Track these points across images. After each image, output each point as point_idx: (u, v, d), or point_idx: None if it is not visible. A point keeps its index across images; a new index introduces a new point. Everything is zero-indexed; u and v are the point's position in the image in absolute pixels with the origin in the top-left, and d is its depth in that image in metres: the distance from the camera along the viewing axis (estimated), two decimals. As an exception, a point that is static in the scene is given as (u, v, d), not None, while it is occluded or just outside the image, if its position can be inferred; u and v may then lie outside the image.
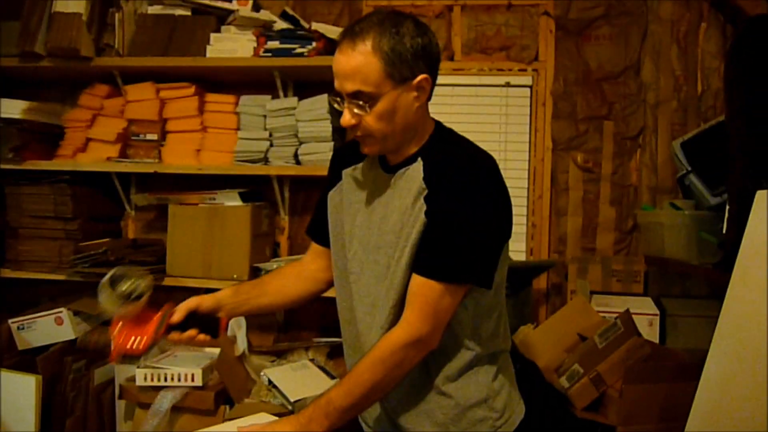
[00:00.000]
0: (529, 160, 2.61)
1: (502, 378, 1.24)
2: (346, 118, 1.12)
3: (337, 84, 1.12)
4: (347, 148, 1.32)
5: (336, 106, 1.15)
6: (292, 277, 1.40)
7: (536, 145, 2.60)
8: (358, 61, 1.07)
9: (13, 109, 2.50)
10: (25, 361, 2.32)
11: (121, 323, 1.20)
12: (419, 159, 1.16)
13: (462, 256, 1.10)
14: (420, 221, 1.11)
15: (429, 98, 1.18)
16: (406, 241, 1.13)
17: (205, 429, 1.16)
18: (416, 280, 1.11)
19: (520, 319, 2.24)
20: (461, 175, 1.11)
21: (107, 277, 1.18)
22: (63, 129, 2.59)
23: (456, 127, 1.25)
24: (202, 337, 1.24)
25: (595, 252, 2.63)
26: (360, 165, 1.27)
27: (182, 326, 1.23)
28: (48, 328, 2.40)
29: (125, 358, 1.26)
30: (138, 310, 1.20)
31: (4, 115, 2.49)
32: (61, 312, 2.40)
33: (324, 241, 1.34)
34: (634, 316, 2.05)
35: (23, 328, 2.42)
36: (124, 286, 1.19)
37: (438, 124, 1.22)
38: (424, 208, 1.11)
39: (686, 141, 2.25)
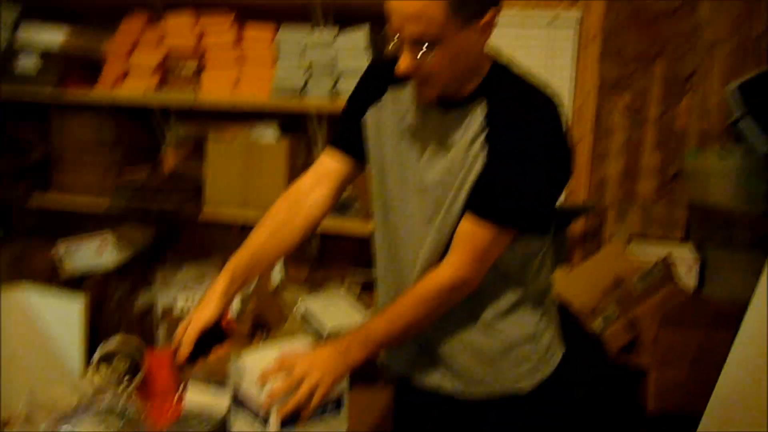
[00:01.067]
0: (573, 101, 2.53)
1: (547, 317, 1.22)
2: (405, 64, 1.01)
3: (394, 25, 1.00)
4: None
5: (391, 48, 1.03)
6: (288, 227, 1.23)
7: (580, 85, 2.51)
8: (421, 2, 0.95)
9: (55, 37, 2.51)
10: (71, 283, 2.42)
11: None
12: (480, 96, 1.07)
13: (521, 200, 1.05)
14: (480, 161, 1.05)
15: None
16: (463, 181, 1.07)
17: (247, 350, 1.19)
18: (468, 221, 1.07)
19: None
20: (526, 115, 1.04)
21: (95, 359, 1.10)
22: (104, 58, 2.59)
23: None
24: (220, 350, 1.15)
25: (635, 197, 2.57)
26: (408, 87, 1.14)
27: (194, 355, 1.10)
28: (92, 253, 2.49)
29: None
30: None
31: (46, 43, 2.51)
32: (104, 238, 2.47)
33: (357, 153, 1.22)
34: (673, 262, 2.02)
35: (69, 253, 2.51)
36: (120, 366, 1.11)
37: (495, 58, 1.11)
38: (486, 147, 1.05)
39: (743, 83, 2.15)
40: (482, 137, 1.05)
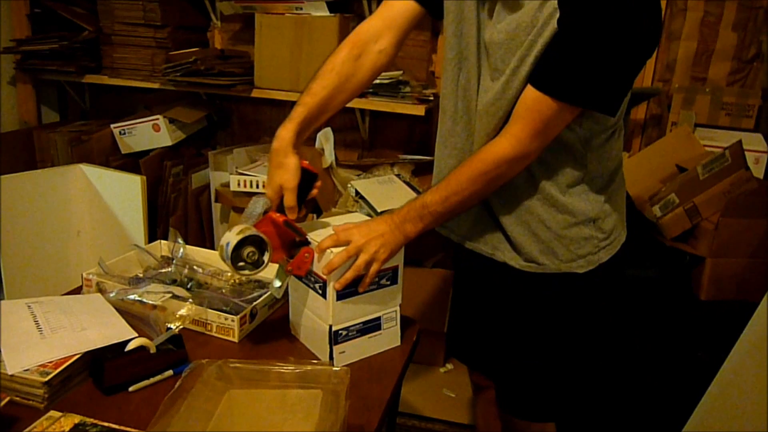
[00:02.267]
0: None
1: (614, 200, 1.18)
2: None
3: None
4: None
5: None
6: (354, 80, 1.20)
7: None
8: None
9: None
10: (128, 163, 2.48)
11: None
12: None
13: (589, 77, 0.98)
14: (550, 28, 0.97)
15: None
16: (531, 47, 0.99)
17: (302, 223, 1.20)
18: (531, 92, 1.01)
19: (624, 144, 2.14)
20: None
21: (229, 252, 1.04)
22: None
23: None
24: (315, 190, 1.20)
25: (705, 82, 2.41)
26: None
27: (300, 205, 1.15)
28: (147, 134, 2.52)
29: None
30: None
31: None
32: (157, 119, 2.49)
33: (429, 2, 1.17)
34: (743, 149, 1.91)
35: (124, 134, 2.55)
36: (251, 256, 1.07)
37: None
38: (557, 14, 0.96)
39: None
40: (554, 1, 0.96)
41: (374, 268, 1.09)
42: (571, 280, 1.17)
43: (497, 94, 1.06)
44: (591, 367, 1.30)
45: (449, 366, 2.37)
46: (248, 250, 1.06)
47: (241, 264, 1.07)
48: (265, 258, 1.08)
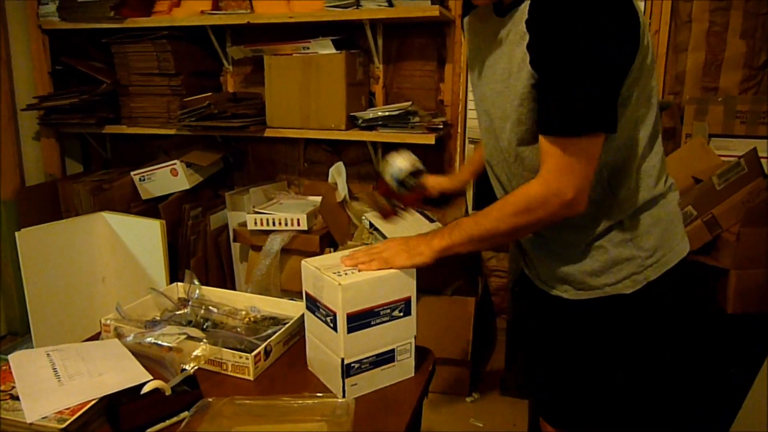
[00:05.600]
0: (647, -11, 2.33)
1: (652, 216, 1.15)
2: None
3: None
4: None
5: None
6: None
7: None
8: None
9: (109, -36, 2.52)
10: (148, 209, 2.54)
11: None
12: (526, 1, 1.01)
13: (575, 104, 0.98)
14: (525, 72, 1.01)
15: None
16: (513, 92, 1.04)
17: (313, 258, 1.21)
18: (543, 139, 1.03)
19: (659, 170, 2.13)
20: (562, 5, 0.94)
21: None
22: (157, -17, 2.59)
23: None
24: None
25: (717, 92, 2.39)
26: (477, 10, 1.17)
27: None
28: (165, 179, 2.58)
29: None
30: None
31: (100, -28, 2.52)
32: (175, 164, 2.55)
33: None
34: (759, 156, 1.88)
35: (144, 180, 2.61)
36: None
37: None
38: (527, 57, 1.00)
39: None
40: (524, 45, 1.00)
41: (376, 265, 1.11)
42: (619, 302, 1.16)
43: (495, 144, 1.14)
44: (638, 386, 1.27)
45: (476, 395, 2.33)
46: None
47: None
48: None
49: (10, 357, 1.14)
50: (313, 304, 1.17)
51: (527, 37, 1.00)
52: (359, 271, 1.11)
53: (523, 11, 1.01)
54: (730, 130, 2.32)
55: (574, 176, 1.02)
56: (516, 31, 1.03)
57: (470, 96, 1.36)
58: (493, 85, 1.10)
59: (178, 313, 1.39)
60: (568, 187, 1.03)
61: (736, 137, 2.28)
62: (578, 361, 1.24)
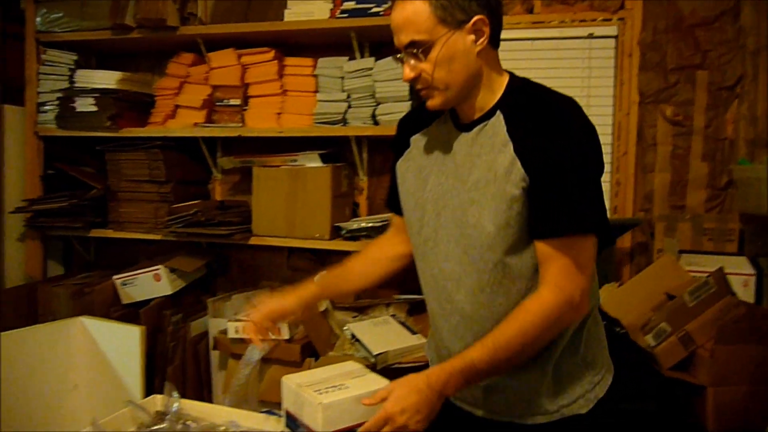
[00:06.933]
0: (614, 115, 2.51)
1: (595, 337, 1.20)
2: (406, 72, 1.10)
3: (395, 40, 1.11)
4: (412, 114, 1.30)
5: (397, 63, 1.13)
6: (374, 259, 1.40)
7: (621, 99, 2.49)
8: (408, 11, 1.06)
9: (109, 79, 2.66)
10: (129, 314, 2.51)
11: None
12: (498, 112, 1.11)
13: (583, 203, 1.04)
14: (515, 175, 1.05)
15: (495, 45, 1.12)
16: (492, 198, 1.08)
17: (293, 374, 1.22)
18: (545, 244, 1.05)
19: (603, 278, 2.19)
20: (550, 120, 1.05)
21: None
22: (154, 98, 2.73)
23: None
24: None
25: (684, 210, 2.51)
26: (430, 128, 1.23)
27: None
28: (147, 283, 2.58)
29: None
30: None
31: (100, 86, 2.66)
32: (158, 269, 2.56)
33: (401, 211, 1.31)
34: (728, 276, 1.96)
35: (126, 284, 2.61)
36: None
37: (512, 75, 1.16)
38: (517, 163, 1.05)
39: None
40: (507, 152, 1.07)
41: None
42: (574, 423, 1.16)
43: (466, 252, 1.15)
44: None
45: None
46: None
47: None
48: None
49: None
50: (293, 423, 1.16)
51: (510, 144, 1.06)
52: None
53: (496, 123, 1.10)
54: (699, 246, 2.43)
55: (582, 278, 1.05)
56: (494, 141, 1.09)
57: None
58: (463, 196, 1.12)
59: (155, 428, 1.36)
60: (576, 289, 1.05)
61: (705, 253, 2.38)
62: None
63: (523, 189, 1.06)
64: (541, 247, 1.06)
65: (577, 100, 1.09)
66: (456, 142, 1.16)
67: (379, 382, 1.16)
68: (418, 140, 1.25)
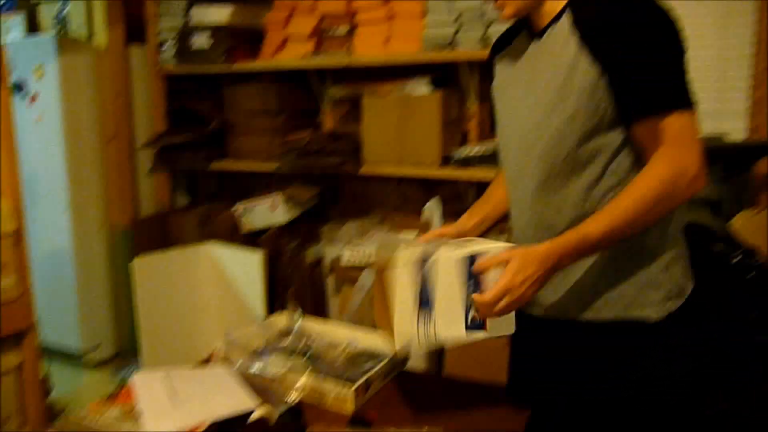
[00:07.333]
0: (757, 23, 2.23)
1: (676, 246, 1.17)
2: None
3: None
4: (500, 37, 1.30)
5: None
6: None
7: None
8: None
9: (221, 15, 2.72)
10: (249, 240, 2.66)
11: None
12: (566, 12, 1.10)
13: (668, 80, 1.03)
14: (583, 64, 1.05)
15: None
16: (557, 93, 1.08)
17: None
18: (643, 126, 1.05)
19: (738, 204, 2.01)
20: (619, 2, 1.04)
21: None
22: (264, 30, 2.76)
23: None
24: None
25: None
26: (511, 46, 1.24)
27: None
28: (264, 213, 2.71)
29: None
30: None
31: (214, 22, 2.73)
32: (275, 198, 2.67)
33: None
34: None
35: (245, 213, 2.75)
36: None
37: None
38: (583, 54, 1.04)
39: None
40: (571, 45, 1.06)
41: (503, 306, 1.03)
42: (641, 329, 1.12)
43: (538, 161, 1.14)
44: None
45: None
46: None
47: None
48: None
49: (134, 377, 1.23)
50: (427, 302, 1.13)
51: (573, 37, 1.06)
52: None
53: (564, 21, 1.09)
54: None
55: (692, 152, 1.03)
56: (558, 39, 1.09)
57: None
58: (530, 99, 1.14)
59: (280, 344, 1.44)
60: (689, 162, 1.03)
61: None
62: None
63: (592, 79, 1.05)
64: (641, 131, 1.06)
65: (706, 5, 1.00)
66: (529, 51, 1.18)
67: (497, 244, 1.12)
68: (501, 59, 1.27)
